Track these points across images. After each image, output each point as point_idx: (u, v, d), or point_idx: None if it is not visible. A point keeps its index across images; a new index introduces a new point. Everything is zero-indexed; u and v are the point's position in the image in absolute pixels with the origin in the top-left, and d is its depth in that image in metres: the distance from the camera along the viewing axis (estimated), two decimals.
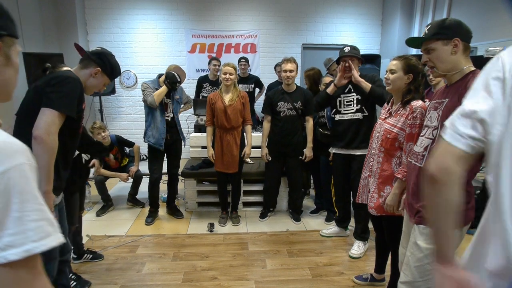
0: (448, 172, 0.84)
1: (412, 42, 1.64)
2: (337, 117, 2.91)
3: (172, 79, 3.23)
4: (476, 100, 0.83)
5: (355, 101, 2.79)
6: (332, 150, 3.00)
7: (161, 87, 3.27)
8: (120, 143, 3.81)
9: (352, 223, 3.19)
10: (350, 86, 2.84)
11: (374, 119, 2.74)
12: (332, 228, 3.32)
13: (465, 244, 1.07)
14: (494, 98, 0.79)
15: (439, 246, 0.88)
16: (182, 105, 3.72)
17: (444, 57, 1.48)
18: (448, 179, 0.84)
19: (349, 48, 2.75)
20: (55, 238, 0.72)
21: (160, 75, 3.36)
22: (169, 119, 3.39)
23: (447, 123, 0.89)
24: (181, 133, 3.55)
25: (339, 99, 2.88)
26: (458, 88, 1.45)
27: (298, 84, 3.43)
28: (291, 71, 3.17)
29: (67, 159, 1.79)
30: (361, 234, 2.93)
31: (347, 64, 2.75)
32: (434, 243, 0.90)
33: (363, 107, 2.77)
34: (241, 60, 4.78)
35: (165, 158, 3.55)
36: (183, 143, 3.62)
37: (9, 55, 0.76)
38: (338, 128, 2.93)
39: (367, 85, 2.69)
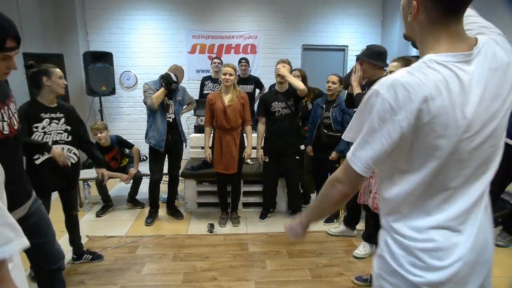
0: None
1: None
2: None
3: (167, 79, 3.22)
4: None
5: None
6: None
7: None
8: (120, 143, 3.81)
9: (360, 225, 3.22)
10: (366, 89, 2.81)
11: None
12: (339, 227, 3.32)
13: None
14: None
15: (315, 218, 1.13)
16: (185, 106, 3.72)
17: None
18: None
19: (365, 48, 2.73)
20: (19, 243, 0.69)
21: (162, 76, 3.36)
22: (171, 120, 3.38)
23: None
24: (183, 134, 3.54)
25: None
26: None
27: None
28: (283, 67, 3.23)
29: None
30: (368, 236, 2.93)
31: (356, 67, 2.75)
32: (313, 216, 1.13)
33: None
34: (242, 60, 4.78)
35: (166, 159, 3.55)
36: (184, 145, 3.61)
37: None
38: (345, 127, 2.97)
39: (355, 91, 2.70)
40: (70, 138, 2.42)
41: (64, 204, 2.56)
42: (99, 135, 3.56)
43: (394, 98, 0.80)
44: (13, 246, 0.69)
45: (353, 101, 2.93)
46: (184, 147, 3.63)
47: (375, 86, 0.84)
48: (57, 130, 2.35)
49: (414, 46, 1.09)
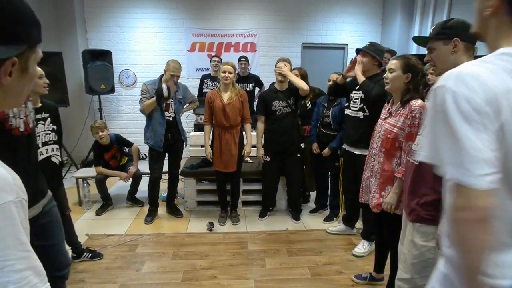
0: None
1: (418, 40, 1.68)
2: (346, 111, 2.95)
3: (158, 92, 3.17)
4: None
5: (359, 99, 2.79)
6: (345, 147, 3.02)
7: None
8: (120, 142, 3.81)
9: (358, 223, 3.22)
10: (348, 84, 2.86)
11: (376, 120, 2.74)
12: (339, 225, 3.33)
13: None
14: None
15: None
16: (187, 104, 3.69)
17: (443, 56, 1.51)
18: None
19: (368, 43, 2.78)
20: None
21: (162, 76, 3.34)
22: (170, 119, 3.37)
23: None
24: (183, 133, 3.53)
25: (351, 94, 2.88)
26: None
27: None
28: (285, 66, 3.22)
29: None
30: (367, 234, 2.94)
31: (358, 58, 2.78)
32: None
33: (365, 107, 2.76)
34: (241, 59, 4.77)
35: (166, 157, 3.55)
36: (184, 144, 3.60)
37: (26, 67, 0.69)
38: (346, 123, 3.01)
39: (360, 78, 2.71)
40: (57, 137, 2.36)
41: None
42: (100, 133, 3.54)
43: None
44: None
45: (337, 90, 3.03)
46: (184, 146, 3.62)
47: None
48: (45, 131, 2.27)
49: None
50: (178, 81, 3.40)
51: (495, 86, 0.72)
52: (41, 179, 1.65)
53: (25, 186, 1.48)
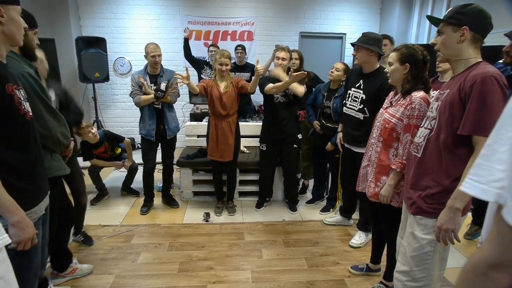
0: None
1: (432, 19, 1.64)
2: (344, 108, 2.84)
3: (157, 87, 3.14)
4: None
5: (359, 100, 2.68)
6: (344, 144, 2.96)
7: (148, 75, 3.25)
8: (110, 138, 3.67)
9: (356, 214, 3.22)
10: (361, 81, 2.70)
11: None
12: (335, 216, 3.33)
13: None
14: None
15: None
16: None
17: (449, 42, 1.47)
18: None
19: (361, 35, 2.63)
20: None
21: (147, 65, 3.26)
22: (160, 107, 3.30)
23: None
24: (171, 122, 3.39)
25: (349, 91, 2.78)
26: (460, 79, 1.43)
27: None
28: (283, 59, 3.17)
29: (28, 158, 1.43)
30: (363, 225, 2.93)
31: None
32: None
33: (365, 108, 2.64)
34: (238, 48, 4.69)
35: (160, 148, 3.50)
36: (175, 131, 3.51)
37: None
38: (343, 120, 2.91)
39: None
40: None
41: None
42: (92, 131, 3.37)
43: None
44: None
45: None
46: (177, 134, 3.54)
47: None
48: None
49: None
50: (162, 63, 3.31)
51: None
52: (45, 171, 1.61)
53: (39, 175, 1.45)
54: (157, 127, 3.31)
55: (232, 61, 4.23)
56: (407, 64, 1.88)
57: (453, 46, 1.46)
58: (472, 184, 0.59)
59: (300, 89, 3.11)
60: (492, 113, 1.30)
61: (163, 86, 3.14)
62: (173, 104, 3.42)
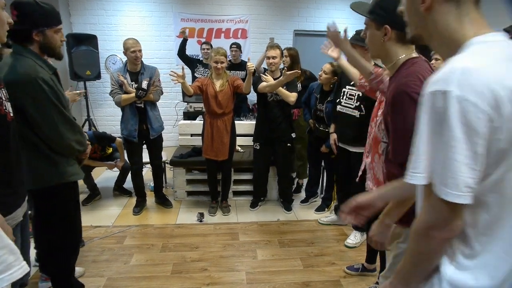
0: None
1: (356, 6, 1.49)
2: (338, 107, 2.79)
3: (138, 85, 3.03)
4: None
5: (356, 97, 2.65)
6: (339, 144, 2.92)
7: (128, 72, 3.13)
8: (100, 139, 3.53)
9: None
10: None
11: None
12: (330, 216, 3.31)
13: None
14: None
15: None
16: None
17: (375, 41, 1.30)
18: None
19: (353, 34, 2.56)
20: (19, 268, 0.63)
21: (126, 62, 3.15)
22: (142, 106, 3.16)
23: None
24: (157, 120, 3.28)
25: (344, 89, 2.74)
26: (390, 85, 1.30)
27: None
28: (274, 57, 3.14)
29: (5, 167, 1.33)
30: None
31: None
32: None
33: (362, 106, 2.61)
34: (233, 46, 4.64)
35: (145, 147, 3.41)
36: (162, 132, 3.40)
37: None
38: (337, 119, 2.85)
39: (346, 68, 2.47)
40: None
41: None
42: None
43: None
44: (14, 272, 0.63)
45: None
46: (163, 133, 3.43)
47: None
48: None
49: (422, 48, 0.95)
50: (154, 61, 3.22)
51: (504, 79, 0.67)
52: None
53: (17, 180, 1.35)
54: (139, 127, 3.18)
55: (228, 59, 4.18)
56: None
57: (379, 45, 1.29)
58: (413, 175, 0.76)
59: (290, 97, 3.08)
60: (408, 134, 1.07)
61: (144, 84, 3.02)
62: (157, 103, 3.30)
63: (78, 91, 2.60)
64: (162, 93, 3.31)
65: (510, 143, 0.68)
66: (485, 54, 0.71)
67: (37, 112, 1.61)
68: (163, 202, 3.59)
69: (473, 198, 0.68)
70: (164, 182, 3.86)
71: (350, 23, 6.03)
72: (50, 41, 1.67)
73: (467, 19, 0.74)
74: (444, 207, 0.70)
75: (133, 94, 3.03)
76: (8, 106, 1.34)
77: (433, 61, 2.58)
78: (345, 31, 1.91)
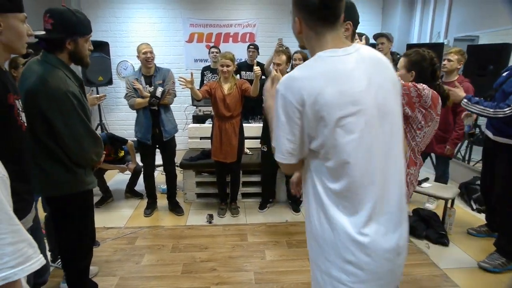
0: None
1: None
2: None
3: (152, 93, 3.12)
4: None
5: None
6: None
7: (143, 76, 3.22)
8: (113, 141, 3.67)
9: None
10: None
11: None
12: None
13: None
14: None
15: None
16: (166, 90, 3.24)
17: (295, 32, 1.11)
18: None
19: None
20: (37, 261, 0.66)
21: (141, 67, 3.24)
22: (156, 109, 3.22)
23: None
24: (170, 122, 3.33)
25: None
26: None
27: None
28: (278, 64, 3.11)
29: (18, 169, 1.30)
30: None
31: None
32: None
33: None
34: (250, 47, 4.71)
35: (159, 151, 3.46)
36: (176, 136, 3.46)
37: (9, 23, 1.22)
38: None
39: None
40: None
41: None
42: None
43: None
44: (31, 264, 0.65)
45: None
46: (176, 135, 3.48)
47: None
48: None
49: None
50: (164, 66, 3.31)
51: (312, 88, 0.94)
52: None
53: (27, 190, 1.38)
54: (153, 130, 3.25)
55: (243, 60, 4.18)
56: (413, 71, 1.92)
57: (299, 38, 1.11)
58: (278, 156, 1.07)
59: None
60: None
61: (159, 92, 3.11)
62: (170, 106, 3.37)
63: (97, 95, 2.67)
64: (175, 95, 3.40)
65: (313, 129, 0.97)
66: (311, 66, 0.99)
67: (64, 126, 1.62)
68: (175, 209, 3.57)
69: (297, 158, 1.04)
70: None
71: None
72: (80, 50, 1.68)
73: (323, 39, 1.02)
74: (280, 163, 1.08)
75: (146, 100, 3.12)
76: (23, 116, 1.34)
77: (445, 62, 2.90)
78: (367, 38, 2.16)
